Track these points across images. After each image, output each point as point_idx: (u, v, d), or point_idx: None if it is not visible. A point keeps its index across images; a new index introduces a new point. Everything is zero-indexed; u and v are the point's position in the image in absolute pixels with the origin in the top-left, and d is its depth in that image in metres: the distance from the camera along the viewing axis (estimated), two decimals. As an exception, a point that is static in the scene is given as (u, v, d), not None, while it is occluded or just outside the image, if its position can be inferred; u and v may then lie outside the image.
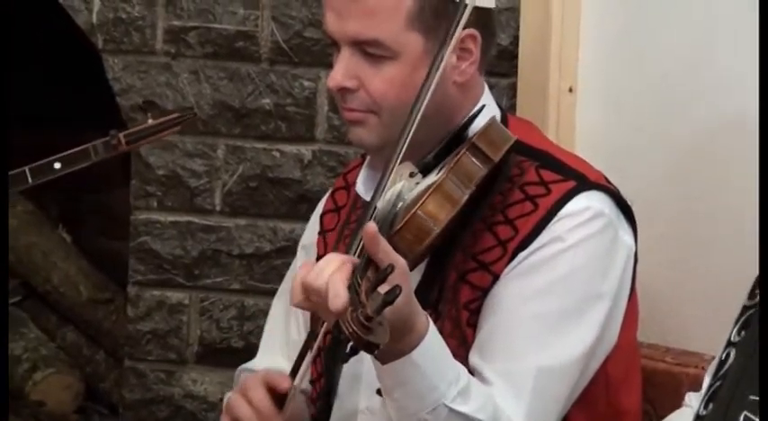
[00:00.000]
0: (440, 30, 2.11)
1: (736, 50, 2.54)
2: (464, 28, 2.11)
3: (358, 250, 1.98)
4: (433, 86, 2.04)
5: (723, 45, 2.58)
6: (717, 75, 2.59)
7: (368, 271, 1.88)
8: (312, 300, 1.95)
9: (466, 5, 2.05)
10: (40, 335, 3.52)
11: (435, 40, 2.11)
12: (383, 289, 1.80)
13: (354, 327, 1.78)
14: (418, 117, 2.04)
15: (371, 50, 2.11)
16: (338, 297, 1.86)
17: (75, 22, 3.06)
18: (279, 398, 2.11)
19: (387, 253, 1.89)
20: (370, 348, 1.81)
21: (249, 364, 2.38)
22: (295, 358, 2.15)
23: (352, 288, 1.85)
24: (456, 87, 2.15)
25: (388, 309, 1.79)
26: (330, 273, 1.90)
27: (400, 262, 1.90)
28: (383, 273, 1.82)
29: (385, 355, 1.91)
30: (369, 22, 2.10)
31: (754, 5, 2.46)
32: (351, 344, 1.82)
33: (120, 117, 3.05)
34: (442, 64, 2.05)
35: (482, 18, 2.10)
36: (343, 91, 2.13)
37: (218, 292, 3.13)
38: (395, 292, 1.78)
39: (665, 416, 2.20)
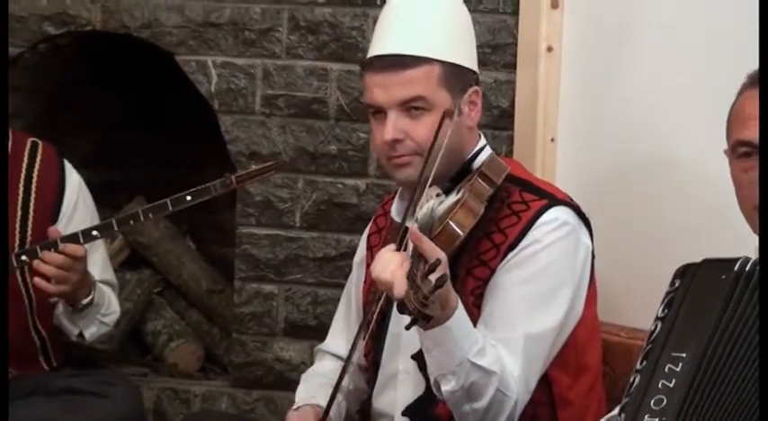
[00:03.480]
0: (457, 87, 2.17)
1: (681, 111, 2.59)
2: (471, 85, 2.21)
3: (404, 247, 2.03)
4: (446, 140, 2.10)
5: (671, 106, 2.61)
6: (661, 127, 2.62)
7: (420, 262, 1.91)
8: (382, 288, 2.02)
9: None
10: (174, 316, 3.52)
11: (455, 95, 2.17)
12: (433, 277, 1.84)
13: (416, 305, 1.82)
14: (438, 158, 2.09)
15: (415, 104, 2.15)
16: (400, 286, 1.91)
17: (199, 91, 3.10)
18: None
19: (433, 249, 1.93)
20: (427, 319, 1.85)
21: (323, 346, 2.46)
22: (353, 337, 2.23)
23: (411, 275, 1.88)
24: (467, 130, 2.20)
25: (438, 291, 1.85)
26: (392, 270, 1.95)
27: (443, 255, 1.93)
28: (433, 265, 1.85)
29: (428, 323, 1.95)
30: (411, 87, 2.15)
31: (692, 81, 2.55)
32: (411, 317, 1.85)
33: (229, 160, 3.09)
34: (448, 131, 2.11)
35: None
36: (395, 142, 2.17)
37: (299, 285, 3.12)
38: (443, 279, 1.84)
39: (621, 375, 2.27)
